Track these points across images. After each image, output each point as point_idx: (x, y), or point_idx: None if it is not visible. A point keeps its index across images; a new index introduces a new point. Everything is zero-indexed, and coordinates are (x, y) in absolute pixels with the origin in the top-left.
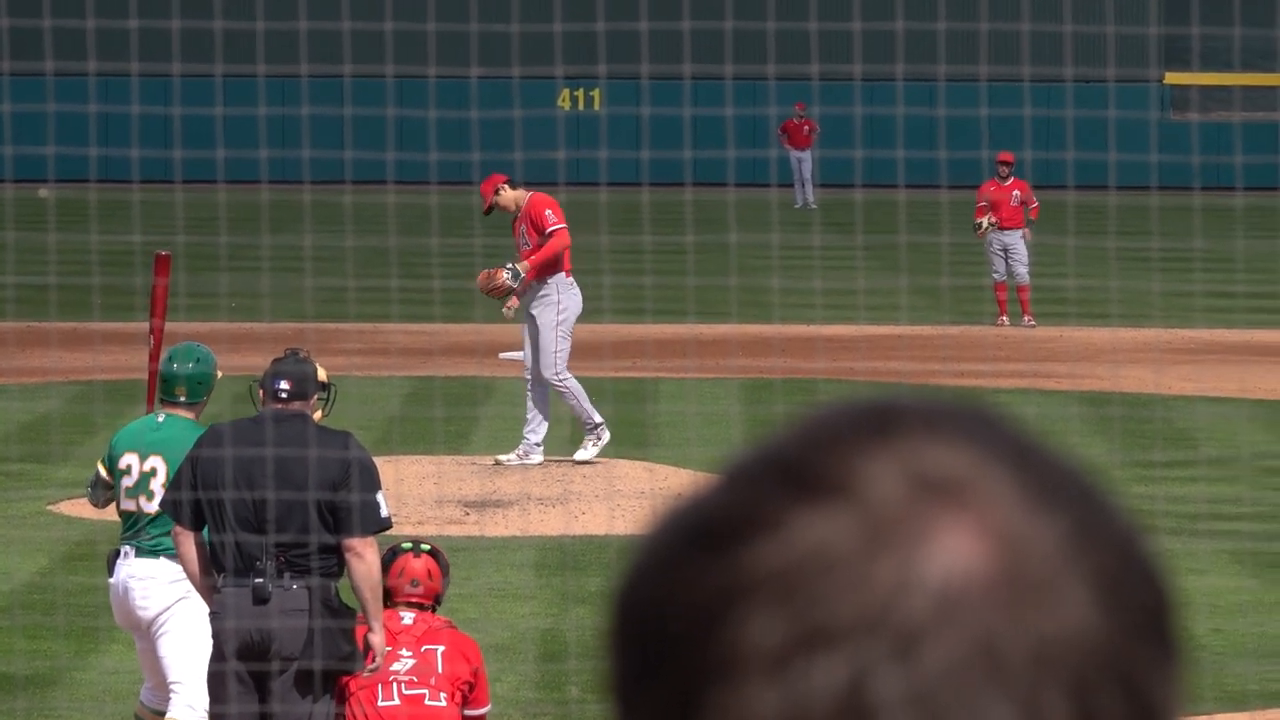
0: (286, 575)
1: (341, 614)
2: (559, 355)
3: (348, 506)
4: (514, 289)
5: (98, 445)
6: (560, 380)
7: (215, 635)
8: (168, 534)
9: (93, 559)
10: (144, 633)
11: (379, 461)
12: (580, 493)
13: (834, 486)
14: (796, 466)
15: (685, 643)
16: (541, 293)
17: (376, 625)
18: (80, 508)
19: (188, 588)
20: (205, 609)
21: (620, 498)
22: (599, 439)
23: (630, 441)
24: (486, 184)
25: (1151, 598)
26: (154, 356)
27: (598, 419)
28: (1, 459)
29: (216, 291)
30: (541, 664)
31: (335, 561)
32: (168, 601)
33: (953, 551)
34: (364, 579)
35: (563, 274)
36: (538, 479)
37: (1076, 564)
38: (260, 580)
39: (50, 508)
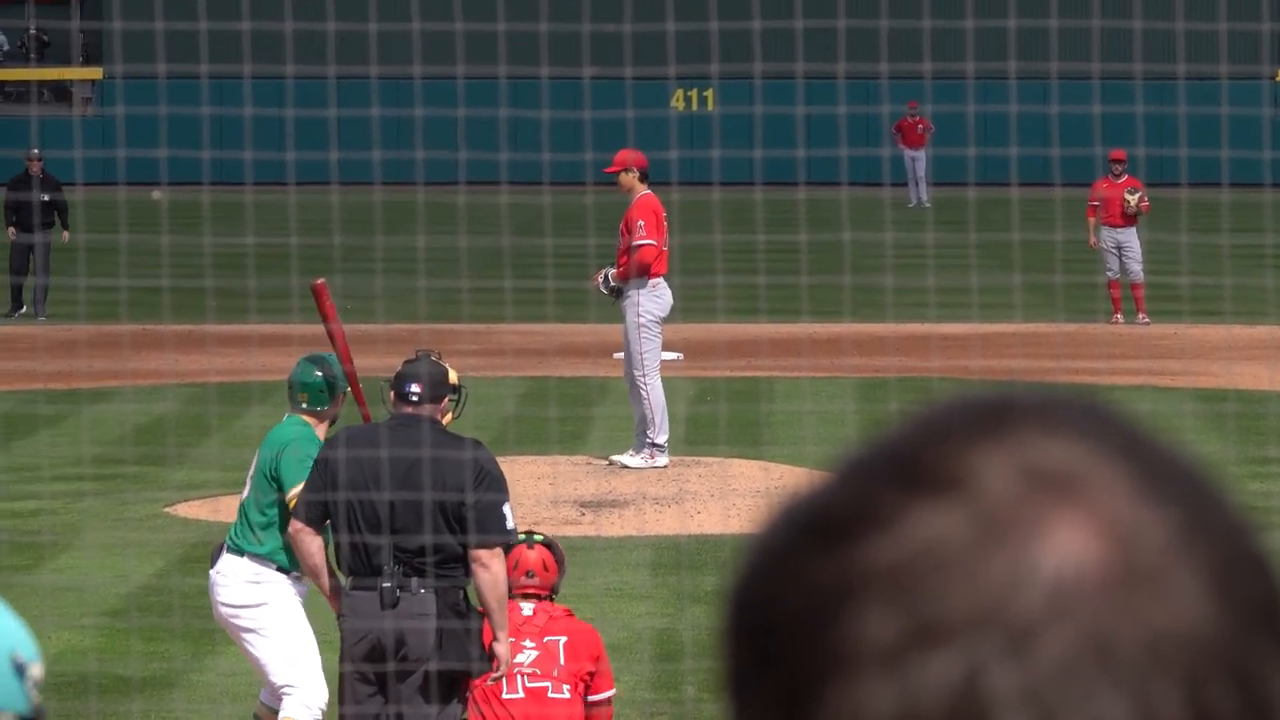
0: (413, 579)
1: (468, 617)
2: (645, 356)
3: (474, 514)
4: (606, 294)
5: (212, 448)
6: (645, 383)
7: (343, 637)
8: (252, 530)
9: (209, 561)
10: (231, 630)
11: None
12: (695, 492)
13: (947, 482)
14: (909, 462)
15: (799, 638)
16: (625, 296)
17: (502, 635)
18: (197, 509)
19: (270, 591)
20: (290, 609)
21: (735, 497)
22: (652, 459)
23: (745, 441)
24: (627, 154)
25: (1264, 591)
26: (344, 359)
27: (662, 440)
28: (118, 461)
29: (331, 293)
30: (658, 664)
31: (462, 566)
32: (245, 600)
33: (1065, 546)
34: (490, 589)
35: (647, 278)
36: (653, 479)
37: (1189, 557)
38: (388, 585)
39: (166, 510)
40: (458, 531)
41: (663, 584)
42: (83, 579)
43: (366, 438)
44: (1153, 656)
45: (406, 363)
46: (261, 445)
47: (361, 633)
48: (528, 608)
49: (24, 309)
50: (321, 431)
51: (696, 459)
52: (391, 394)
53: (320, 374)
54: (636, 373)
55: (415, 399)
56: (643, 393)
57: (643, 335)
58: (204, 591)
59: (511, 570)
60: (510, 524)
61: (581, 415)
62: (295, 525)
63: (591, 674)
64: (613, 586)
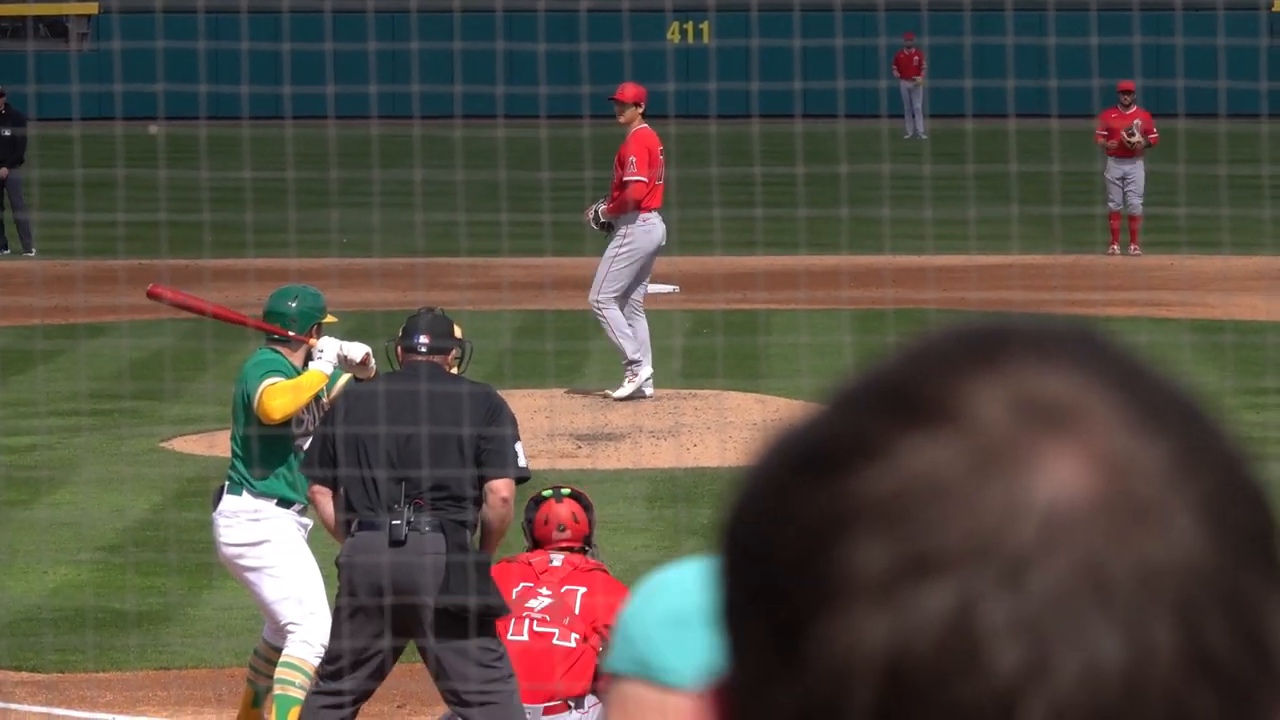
0: (423, 518)
1: (476, 554)
2: (605, 282)
3: (493, 447)
4: (597, 229)
5: (208, 382)
6: (599, 307)
7: (349, 575)
8: (243, 465)
9: (205, 495)
10: (235, 571)
11: None
12: (691, 425)
13: (940, 412)
14: (902, 392)
15: (791, 570)
16: (615, 231)
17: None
18: (193, 444)
19: (272, 527)
20: (293, 546)
21: (732, 429)
22: (635, 375)
23: (742, 373)
24: (631, 90)
25: (1259, 522)
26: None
27: (631, 355)
28: (114, 396)
29: (328, 227)
30: None
31: (470, 504)
32: (246, 539)
33: (1058, 477)
34: (501, 522)
35: (638, 212)
36: (649, 412)
37: (1182, 488)
38: (396, 523)
39: (163, 445)
40: (474, 465)
41: (659, 517)
42: (79, 514)
43: (388, 381)
44: (1146, 588)
45: (411, 317)
46: (236, 380)
47: (369, 570)
48: (557, 559)
49: (7, 249)
50: (297, 360)
51: (692, 392)
52: (399, 349)
53: (293, 304)
54: (591, 296)
55: (423, 349)
56: (601, 317)
57: (613, 266)
58: (201, 526)
59: (543, 525)
60: (523, 460)
61: (578, 349)
62: (311, 489)
63: (610, 628)
64: (609, 520)
